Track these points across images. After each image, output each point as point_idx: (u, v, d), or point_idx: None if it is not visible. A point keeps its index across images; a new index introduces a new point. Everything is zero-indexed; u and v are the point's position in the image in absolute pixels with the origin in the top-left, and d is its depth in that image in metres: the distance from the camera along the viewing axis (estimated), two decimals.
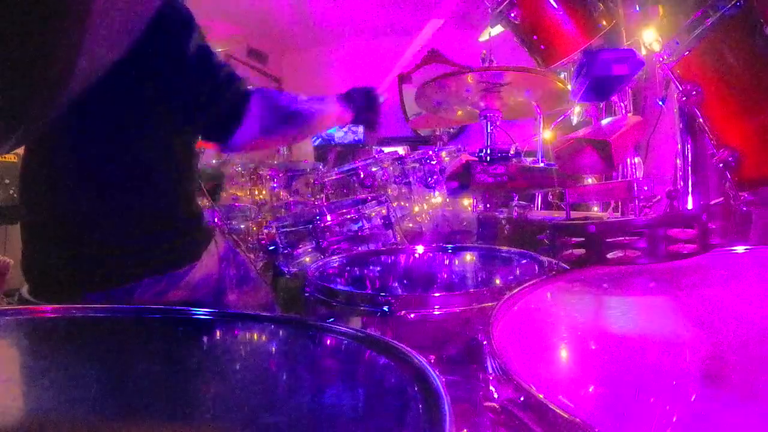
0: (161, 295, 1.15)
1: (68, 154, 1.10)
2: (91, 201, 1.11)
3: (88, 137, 1.07)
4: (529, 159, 1.72)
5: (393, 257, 1.51)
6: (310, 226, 1.91)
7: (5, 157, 2.51)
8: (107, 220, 1.11)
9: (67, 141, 1.08)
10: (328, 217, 1.91)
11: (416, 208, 2.18)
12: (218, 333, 0.72)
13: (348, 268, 1.42)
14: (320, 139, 5.65)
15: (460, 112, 1.96)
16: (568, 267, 0.94)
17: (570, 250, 0.85)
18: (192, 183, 1.30)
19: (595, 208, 1.83)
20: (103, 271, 1.11)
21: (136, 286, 1.13)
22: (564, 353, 0.61)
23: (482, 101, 1.73)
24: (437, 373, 0.47)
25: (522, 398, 0.44)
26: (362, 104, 1.43)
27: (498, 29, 0.99)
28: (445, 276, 1.38)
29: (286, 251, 1.97)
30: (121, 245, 1.12)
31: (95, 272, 1.11)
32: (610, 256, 0.80)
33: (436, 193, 2.15)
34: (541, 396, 0.42)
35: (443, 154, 2.20)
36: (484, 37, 3.02)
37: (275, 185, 3.20)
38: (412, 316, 0.93)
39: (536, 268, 1.13)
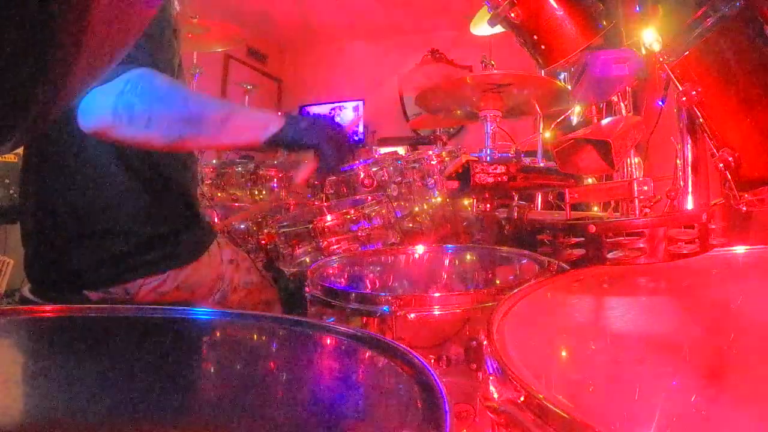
0: (162, 294, 1.15)
1: (68, 152, 1.10)
2: (91, 199, 1.11)
3: (87, 136, 1.07)
4: (529, 159, 1.72)
5: (393, 257, 1.51)
6: (310, 226, 1.91)
7: (5, 157, 2.51)
8: (108, 219, 1.12)
9: (66, 139, 1.09)
10: (328, 217, 1.91)
11: (416, 208, 2.18)
12: (218, 333, 0.72)
13: (348, 268, 1.42)
14: None
15: (459, 112, 1.96)
16: (568, 267, 0.94)
17: (570, 250, 0.85)
18: (193, 182, 1.30)
19: (595, 208, 1.83)
20: (104, 270, 1.11)
21: (137, 285, 1.13)
22: (564, 353, 0.61)
23: (482, 101, 1.73)
24: (437, 373, 0.46)
25: (522, 398, 0.44)
26: (303, 125, 1.06)
27: (498, 29, 0.99)
28: (445, 276, 1.38)
29: (286, 251, 1.97)
30: (122, 243, 1.12)
31: (96, 270, 1.11)
32: (610, 256, 0.80)
33: (436, 193, 2.14)
34: (541, 396, 0.42)
35: (443, 154, 2.20)
36: (476, 29, 3.02)
37: (275, 185, 3.20)
38: (412, 316, 0.93)
39: (536, 268, 1.13)
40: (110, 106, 0.91)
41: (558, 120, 2.04)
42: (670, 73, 0.76)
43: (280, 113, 1.08)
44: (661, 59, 0.77)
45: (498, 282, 1.34)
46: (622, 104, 0.97)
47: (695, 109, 0.75)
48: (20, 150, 1.36)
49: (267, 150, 1.08)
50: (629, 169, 0.95)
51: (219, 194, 3.03)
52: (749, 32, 0.65)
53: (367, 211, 1.92)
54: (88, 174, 1.11)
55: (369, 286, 1.28)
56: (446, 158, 2.14)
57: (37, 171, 1.15)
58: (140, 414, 0.46)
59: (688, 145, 0.92)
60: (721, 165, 0.72)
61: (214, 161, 3.36)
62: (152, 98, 0.93)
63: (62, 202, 1.12)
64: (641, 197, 0.88)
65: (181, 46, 1.19)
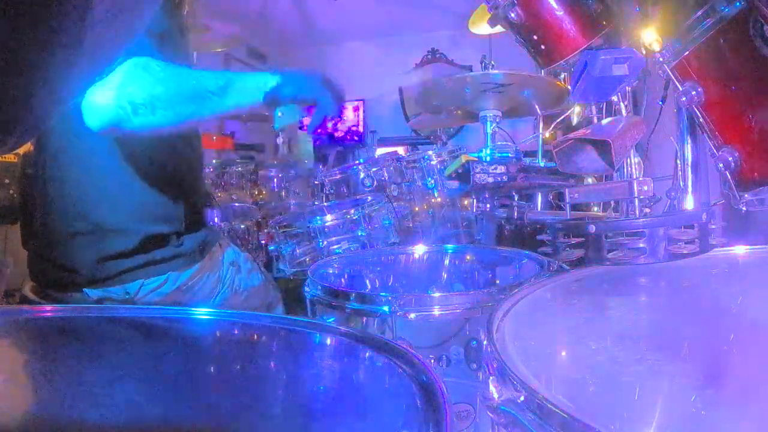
0: (161, 295, 1.15)
1: (69, 151, 1.10)
2: (92, 198, 1.11)
3: (88, 135, 1.07)
4: (529, 159, 1.71)
5: (393, 257, 1.51)
6: (310, 226, 1.91)
7: (5, 157, 2.51)
8: (109, 218, 1.11)
9: (68, 138, 1.09)
10: (328, 217, 1.91)
11: (416, 208, 2.18)
12: (218, 333, 0.72)
13: (348, 268, 1.42)
14: (320, 139, 5.66)
15: (459, 112, 1.96)
16: (568, 267, 0.94)
17: (570, 250, 0.85)
18: (197, 183, 1.30)
19: (595, 208, 1.83)
20: (103, 269, 1.11)
21: (137, 285, 1.13)
22: (564, 353, 0.61)
23: (482, 101, 1.73)
24: (437, 373, 0.46)
25: (522, 398, 0.44)
26: (299, 79, 1.10)
27: (498, 28, 0.99)
28: (445, 276, 1.38)
29: (286, 251, 1.97)
30: (123, 243, 1.12)
31: (95, 269, 1.11)
32: (610, 256, 0.80)
33: (436, 193, 2.14)
34: (541, 396, 0.42)
35: (443, 154, 2.20)
36: (476, 28, 3.01)
37: (275, 185, 3.20)
38: (412, 316, 0.93)
39: (536, 268, 1.13)
40: (113, 101, 0.91)
41: (558, 120, 2.03)
42: (670, 73, 0.76)
43: (275, 70, 1.09)
44: (661, 59, 0.77)
45: (498, 282, 1.34)
46: (622, 104, 0.97)
47: (695, 109, 0.75)
48: (20, 150, 1.36)
49: (270, 109, 1.10)
50: (629, 169, 0.95)
51: (219, 194, 3.03)
52: (749, 32, 0.65)
53: (367, 211, 1.92)
54: (90, 173, 1.11)
55: (369, 286, 1.28)
56: (446, 158, 2.14)
57: (38, 170, 1.15)
58: (140, 414, 0.46)
59: (688, 145, 0.92)
60: (721, 165, 0.72)
61: (214, 161, 3.36)
62: (151, 85, 0.93)
63: (63, 200, 1.12)
64: (641, 197, 0.88)
65: (190, 44, 1.19)
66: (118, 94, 0.91)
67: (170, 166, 1.17)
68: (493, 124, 1.75)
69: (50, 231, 1.13)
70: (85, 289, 1.11)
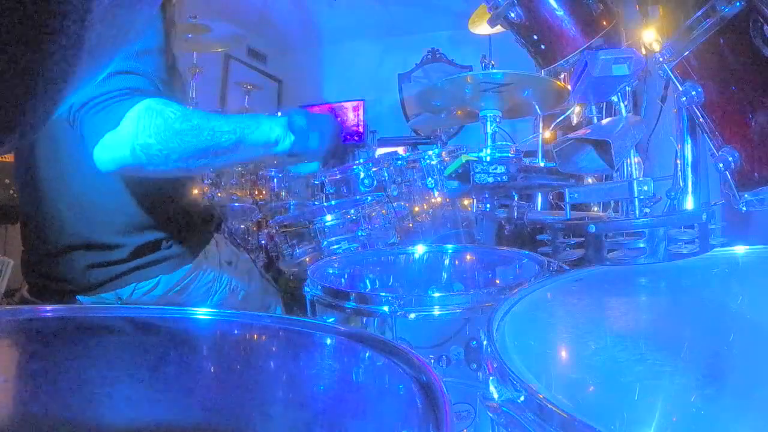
0: (155, 297, 1.15)
1: (60, 155, 1.09)
2: (82, 213, 1.11)
3: (78, 155, 1.06)
4: (529, 159, 1.71)
5: (393, 257, 1.51)
6: (310, 226, 1.91)
7: (5, 157, 2.51)
8: (98, 232, 1.11)
9: (60, 142, 1.08)
10: (328, 217, 1.91)
11: (416, 208, 2.18)
12: (218, 333, 0.72)
13: (348, 268, 1.42)
14: None
15: (459, 112, 1.95)
16: (568, 267, 0.94)
17: (570, 250, 0.85)
18: (190, 186, 1.29)
19: (595, 208, 1.83)
20: (94, 277, 1.11)
21: (129, 289, 1.13)
22: (564, 353, 0.61)
23: (482, 101, 1.72)
24: (437, 373, 0.46)
25: (522, 398, 0.44)
26: (308, 129, 1.10)
27: (498, 28, 0.99)
28: (445, 276, 1.38)
29: (286, 251, 1.97)
30: (112, 254, 1.12)
31: (86, 277, 1.10)
32: (610, 256, 0.80)
33: (436, 193, 2.14)
34: (541, 396, 0.42)
35: (443, 154, 2.20)
36: (476, 28, 3.02)
37: (275, 185, 3.20)
38: (412, 316, 0.93)
39: (536, 268, 1.13)
40: (128, 148, 0.91)
41: (558, 120, 2.03)
42: (670, 73, 0.76)
43: (285, 119, 1.11)
44: (661, 59, 0.77)
45: (498, 282, 1.34)
46: (622, 104, 0.97)
47: (695, 109, 0.75)
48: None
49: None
50: (629, 169, 0.95)
51: (219, 194, 3.03)
52: (749, 32, 0.65)
53: (367, 211, 1.92)
54: (78, 188, 1.10)
55: (369, 286, 1.28)
56: (446, 158, 2.14)
57: (28, 172, 1.15)
58: (140, 414, 0.46)
59: (688, 145, 0.92)
60: (721, 165, 0.72)
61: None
62: (167, 136, 0.93)
63: (54, 218, 1.11)
64: (641, 197, 0.88)
65: (176, 37, 1.19)
66: (133, 141, 0.90)
67: (163, 181, 1.16)
68: (493, 124, 1.75)
69: (42, 246, 1.13)
70: (78, 297, 1.11)
